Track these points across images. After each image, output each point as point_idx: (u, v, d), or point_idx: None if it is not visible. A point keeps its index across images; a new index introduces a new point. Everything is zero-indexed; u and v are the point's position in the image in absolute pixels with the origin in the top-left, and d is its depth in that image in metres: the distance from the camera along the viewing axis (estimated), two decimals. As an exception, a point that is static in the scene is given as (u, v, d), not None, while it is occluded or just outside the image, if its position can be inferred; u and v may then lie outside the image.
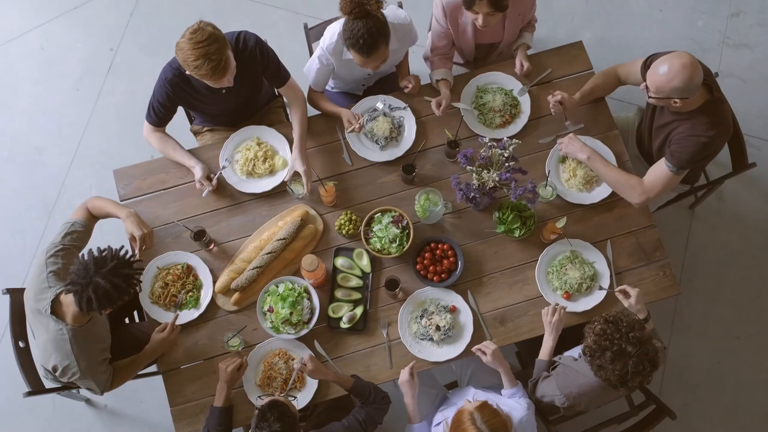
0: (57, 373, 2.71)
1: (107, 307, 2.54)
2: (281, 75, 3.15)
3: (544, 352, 2.90)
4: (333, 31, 3.05)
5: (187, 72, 2.81)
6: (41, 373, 2.98)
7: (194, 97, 3.08)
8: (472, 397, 2.69)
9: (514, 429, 2.46)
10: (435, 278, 3.04)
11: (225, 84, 2.87)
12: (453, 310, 3.00)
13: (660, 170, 2.93)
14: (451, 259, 3.05)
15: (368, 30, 2.80)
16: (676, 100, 2.72)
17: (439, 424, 2.72)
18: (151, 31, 4.43)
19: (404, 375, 2.80)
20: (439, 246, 3.07)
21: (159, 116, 3.09)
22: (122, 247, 2.59)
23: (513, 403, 2.72)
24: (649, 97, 2.78)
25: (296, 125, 3.14)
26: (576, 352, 2.82)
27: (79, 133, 4.25)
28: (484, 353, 2.82)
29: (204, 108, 3.22)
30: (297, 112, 3.18)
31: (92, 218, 2.95)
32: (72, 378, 2.71)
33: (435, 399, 3.07)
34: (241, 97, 3.17)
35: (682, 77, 2.64)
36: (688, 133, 2.83)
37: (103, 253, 2.52)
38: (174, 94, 3.02)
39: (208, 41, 2.69)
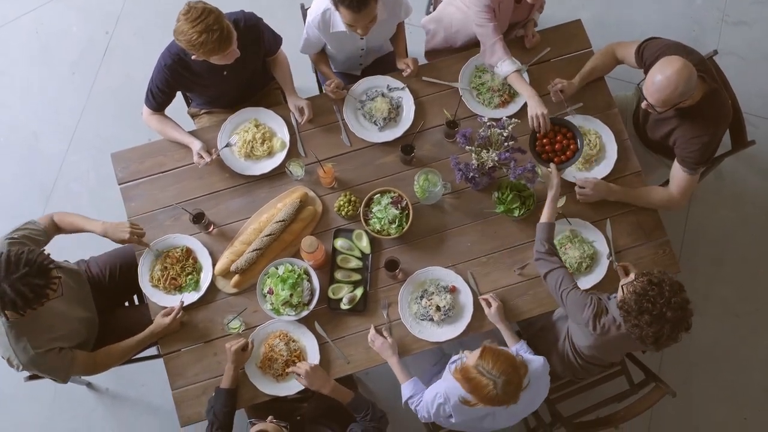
0: (8, 365, 2.67)
1: (19, 312, 2.43)
2: (276, 41, 3.19)
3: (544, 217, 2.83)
4: (317, 7, 3.05)
5: (194, 57, 2.79)
6: None
7: (194, 82, 3.06)
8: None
9: (528, 377, 2.41)
10: (556, 159, 2.97)
11: (233, 56, 2.84)
12: (453, 291, 3.00)
13: (682, 178, 2.95)
14: (572, 147, 2.99)
15: None
16: (686, 100, 2.71)
17: (454, 361, 2.65)
18: (146, 14, 4.39)
19: (376, 340, 2.90)
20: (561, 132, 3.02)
21: (158, 101, 3.08)
22: (42, 251, 2.48)
23: (527, 355, 2.66)
24: (659, 113, 2.76)
25: (283, 74, 3.26)
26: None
27: (75, 118, 4.22)
28: (489, 305, 2.86)
29: (204, 91, 3.20)
30: (281, 64, 3.27)
31: (55, 229, 2.89)
32: (19, 369, 2.65)
33: (434, 355, 3.11)
34: (242, 77, 3.15)
35: (683, 80, 2.61)
36: (691, 135, 2.84)
37: (21, 256, 2.40)
38: (173, 80, 3.01)
39: (205, 14, 2.67)
